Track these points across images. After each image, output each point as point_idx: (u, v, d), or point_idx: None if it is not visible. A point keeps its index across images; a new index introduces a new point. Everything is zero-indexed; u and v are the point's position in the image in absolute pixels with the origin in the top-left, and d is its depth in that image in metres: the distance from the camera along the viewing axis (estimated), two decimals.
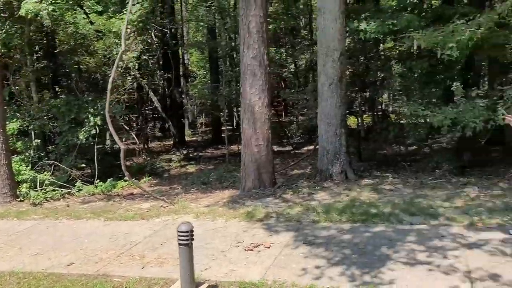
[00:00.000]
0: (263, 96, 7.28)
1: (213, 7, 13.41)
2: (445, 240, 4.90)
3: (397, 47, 6.80)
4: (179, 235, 3.75)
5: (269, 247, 5.02)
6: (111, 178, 9.19)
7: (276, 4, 20.48)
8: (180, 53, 22.23)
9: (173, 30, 14.15)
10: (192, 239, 3.81)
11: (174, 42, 14.60)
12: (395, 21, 7.34)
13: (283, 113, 23.88)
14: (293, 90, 12.20)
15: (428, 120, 7.00)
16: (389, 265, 4.37)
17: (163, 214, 6.67)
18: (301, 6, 17.48)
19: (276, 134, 16.82)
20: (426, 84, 7.88)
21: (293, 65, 18.33)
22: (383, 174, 8.75)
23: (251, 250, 4.96)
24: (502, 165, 8.99)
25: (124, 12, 11.81)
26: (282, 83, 23.84)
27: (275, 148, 15.73)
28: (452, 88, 6.66)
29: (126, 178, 8.26)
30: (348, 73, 11.28)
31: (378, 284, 4.01)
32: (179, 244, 3.77)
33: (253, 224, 5.89)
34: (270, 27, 24.26)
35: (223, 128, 16.64)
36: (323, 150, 7.90)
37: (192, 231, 3.80)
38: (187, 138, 21.70)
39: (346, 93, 8.15)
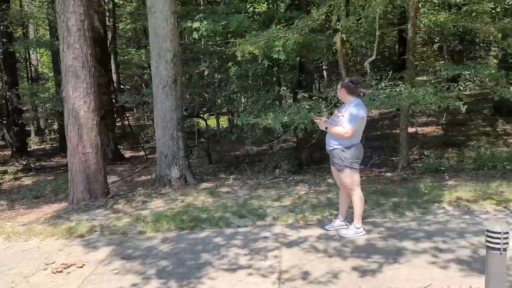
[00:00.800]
0: (88, 99, 6.73)
1: (45, 2, 12.26)
2: (268, 240, 4.93)
3: (232, 48, 6.79)
4: None
5: (81, 267, 4.55)
6: None
7: (135, 4, 19.69)
8: (25, 52, 20.20)
9: (1, 27, 12.63)
10: None
11: (5, 40, 13.07)
12: (227, 22, 7.34)
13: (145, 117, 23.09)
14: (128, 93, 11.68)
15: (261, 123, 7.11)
16: (210, 273, 4.22)
17: None
18: None
19: (132, 139, 16.15)
20: (263, 86, 8.06)
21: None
22: (227, 176, 8.77)
23: (60, 272, 4.44)
24: None
25: None
26: (144, 85, 23.05)
27: (128, 153, 15.09)
28: (281, 92, 6.82)
29: None
30: (203, 74, 11.17)
31: None
32: None
33: (72, 241, 5.34)
34: (127, 27, 23.25)
35: None
36: (161, 155, 7.60)
37: None
38: (34, 146, 19.79)
39: (195, 95, 8.00)
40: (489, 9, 11.63)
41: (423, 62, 7.88)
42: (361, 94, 4.99)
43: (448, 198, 6.13)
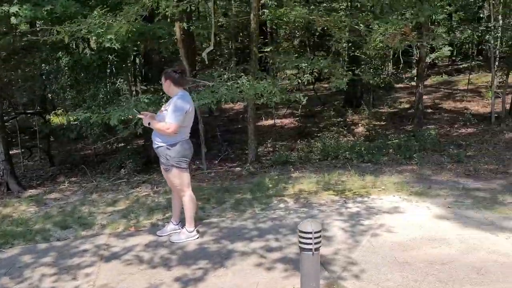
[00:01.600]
0: None
1: None
2: (87, 254, 4.30)
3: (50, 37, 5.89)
4: None
5: None
6: None
7: None
8: None
9: None
10: None
11: None
12: (52, 6, 6.43)
13: None
14: None
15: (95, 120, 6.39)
16: None
17: None
18: None
19: None
20: (100, 78, 7.28)
21: None
22: (66, 179, 7.88)
23: None
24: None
25: None
26: None
27: None
28: (117, 85, 6.18)
29: None
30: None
31: None
32: None
33: None
34: None
35: None
36: None
37: None
38: None
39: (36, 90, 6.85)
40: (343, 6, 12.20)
41: (266, 54, 7.78)
42: (201, 86, 4.61)
43: (291, 191, 6.07)
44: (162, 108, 4.41)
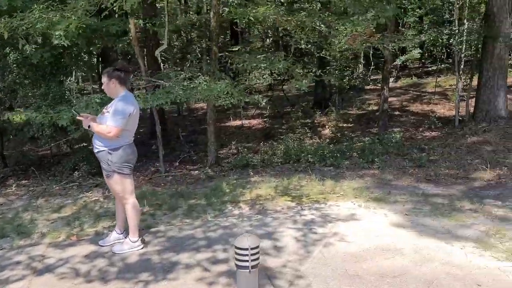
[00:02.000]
0: None
1: None
2: (19, 267, 3.97)
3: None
4: None
5: None
6: None
7: None
8: None
9: None
10: None
11: None
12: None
13: None
14: None
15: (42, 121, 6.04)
16: None
17: None
18: None
19: None
20: (53, 76, 6.91)
21: None
22: (16, 181, 7.48)
23: None
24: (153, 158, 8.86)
25: None
26: None
27: None
28: (67, 84, 5.84)
29: None
30: None
31: None
32: None
33: None
34: None
35: None
36: None
37: None
38: None
39: None
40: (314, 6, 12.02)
41: (227, 54, 7.55)
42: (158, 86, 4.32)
43: (248, 196, 5.86)
44: (104, 110, 4.12)
